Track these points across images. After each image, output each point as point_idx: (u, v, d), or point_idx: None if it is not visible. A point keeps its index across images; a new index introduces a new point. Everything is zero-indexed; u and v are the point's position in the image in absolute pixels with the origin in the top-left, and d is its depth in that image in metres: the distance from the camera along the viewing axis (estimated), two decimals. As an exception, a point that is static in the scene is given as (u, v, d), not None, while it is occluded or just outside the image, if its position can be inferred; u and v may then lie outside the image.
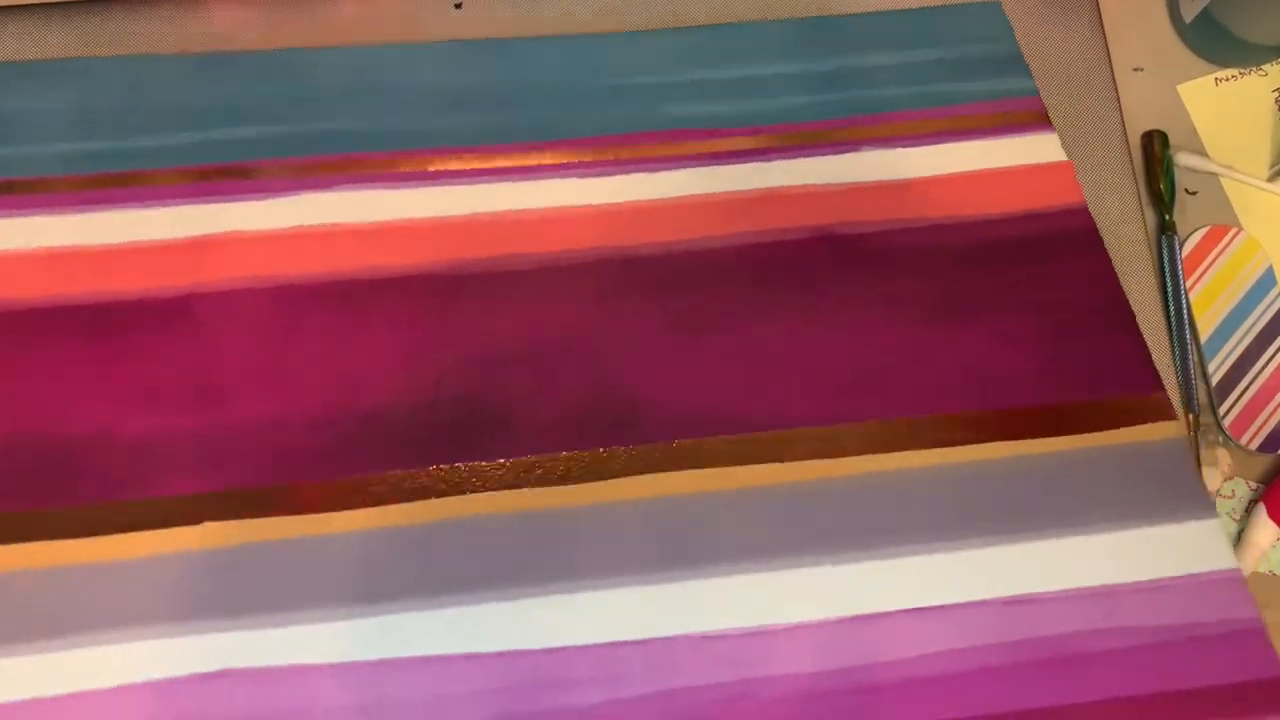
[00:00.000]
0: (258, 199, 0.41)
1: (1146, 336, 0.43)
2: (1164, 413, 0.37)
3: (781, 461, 0.35)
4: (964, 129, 0.44)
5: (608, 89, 0.43)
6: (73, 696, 0.32)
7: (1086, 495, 0.35)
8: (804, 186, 0.42)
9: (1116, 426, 0.37)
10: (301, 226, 0.40)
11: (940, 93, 0.44)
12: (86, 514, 0.34)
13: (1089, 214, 0.42)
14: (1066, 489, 0.35)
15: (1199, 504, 0.35)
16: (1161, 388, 0.38)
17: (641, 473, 0.35)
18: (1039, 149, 0.44)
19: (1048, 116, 0.44)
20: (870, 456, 0.35)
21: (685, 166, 0.42)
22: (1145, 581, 0.34)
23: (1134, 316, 0.39)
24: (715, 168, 0.42)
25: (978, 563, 0.33)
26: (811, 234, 0.41)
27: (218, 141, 0.42)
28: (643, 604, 0.33)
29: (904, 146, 0.43)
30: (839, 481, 0.35)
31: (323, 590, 0.33)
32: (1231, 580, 0.34)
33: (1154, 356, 0.43)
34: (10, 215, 0.41)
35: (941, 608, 0.33)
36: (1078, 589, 0.33)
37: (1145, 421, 0.37)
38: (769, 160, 0.42)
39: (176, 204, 0.41)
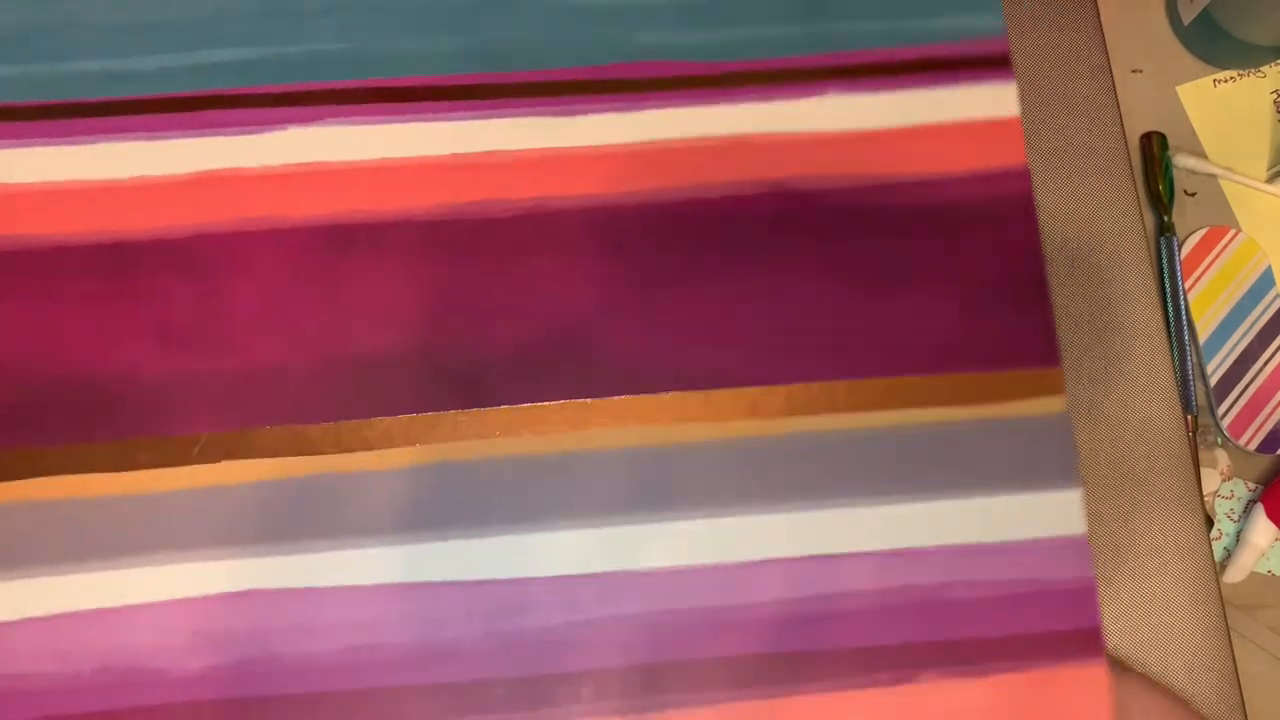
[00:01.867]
0: (251, 132, 0.42)
1: (1146, 338, 0.44)
2: (1056, 388, 0.41)
3: (716, 421, 0.40)
4: (927, 71, 0.44)
5: (587, 8, 0.45)
6: (113, 610, 0.37)
7: (972, 462, 0.40)
8: (766, 134, 0.43)
9: (1012, 399, 0.41)
10: (294, 164, 0.42)
11: (908, 30, 0.45)
12: (122, 449, 0.39)
13: (1028, 177, 0.43)
14: (956, 456, 0.40)
15: (1068, 475, 0.40)
16: (1057, 363, 0.41)
17: (595, 426, 0.41)
18: (994, 101, 0.44)
19: (1009, 60, 0.44)
20: (789, 419, 0.40)
21: (659, 106, 0.44)
22: (1008, 542, 0.39)
23: (1048, 289, 0.41)
24: (690, 109, 0.44)
25: (870, 520, 0.39)
26: (770, 188, 0.43)
27: (204, 65, 0.43)
28: (598, 543, 0.39)
29: (865, 92, 0.44)
30: (763, 441, 0.40)
31: (338, 524, 0.38)
32: (1079, 544, 0.39)
33: (1153, 357, 0.43)
34: (10, 145, 0.41)
35: (832, 557, 0.39)
36: (950, 545, 0.39)
37: (1038, 395, 0.41)
38: (735, 103, 0.44)
39: (173, 136, 0.42)
